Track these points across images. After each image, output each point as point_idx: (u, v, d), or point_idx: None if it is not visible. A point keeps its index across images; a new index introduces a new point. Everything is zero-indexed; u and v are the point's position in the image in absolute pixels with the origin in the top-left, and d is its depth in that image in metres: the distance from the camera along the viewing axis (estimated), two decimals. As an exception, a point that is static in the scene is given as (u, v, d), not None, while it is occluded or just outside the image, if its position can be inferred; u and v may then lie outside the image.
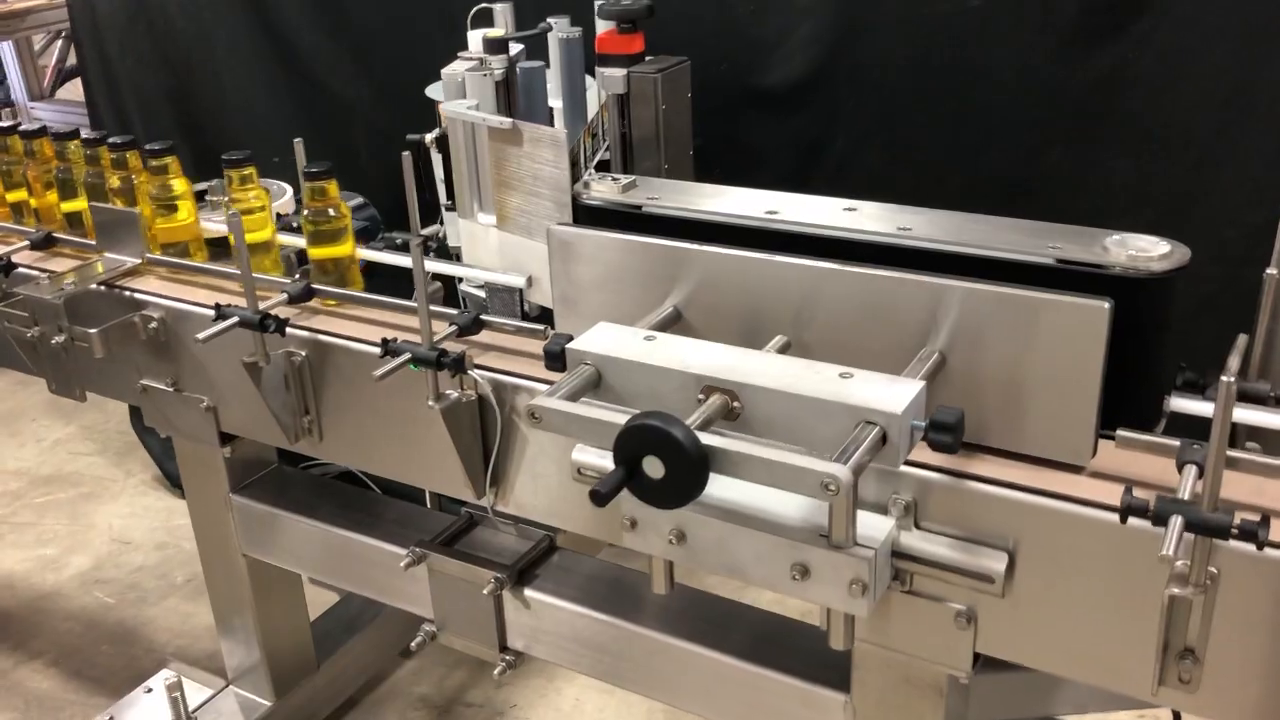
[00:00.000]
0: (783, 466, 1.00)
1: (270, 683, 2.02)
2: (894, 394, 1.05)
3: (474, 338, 1.50)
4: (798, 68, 2.27)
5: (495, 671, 1.62)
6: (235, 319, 1.54)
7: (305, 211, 1.66)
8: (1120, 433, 1.13)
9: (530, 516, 1.51)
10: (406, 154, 1.68)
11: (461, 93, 1.75)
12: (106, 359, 1.76)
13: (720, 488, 1.20)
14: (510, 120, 1.50)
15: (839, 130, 2.33)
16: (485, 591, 1.57)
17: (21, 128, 2.04)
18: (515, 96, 1.82)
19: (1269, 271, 1.14)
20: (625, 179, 1.46)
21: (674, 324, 1.32)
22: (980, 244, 1.22)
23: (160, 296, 1.75)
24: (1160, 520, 1.00)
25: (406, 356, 1.40)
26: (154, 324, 1.74)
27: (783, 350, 1.24)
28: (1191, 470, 1.05)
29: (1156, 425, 1.21)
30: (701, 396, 1.13)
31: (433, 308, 1.54)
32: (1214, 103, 1.91)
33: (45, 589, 2.75)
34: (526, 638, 1.63)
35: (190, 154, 3.03)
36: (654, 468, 1.03)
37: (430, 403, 1.41)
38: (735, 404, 1.11)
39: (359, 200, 2.06)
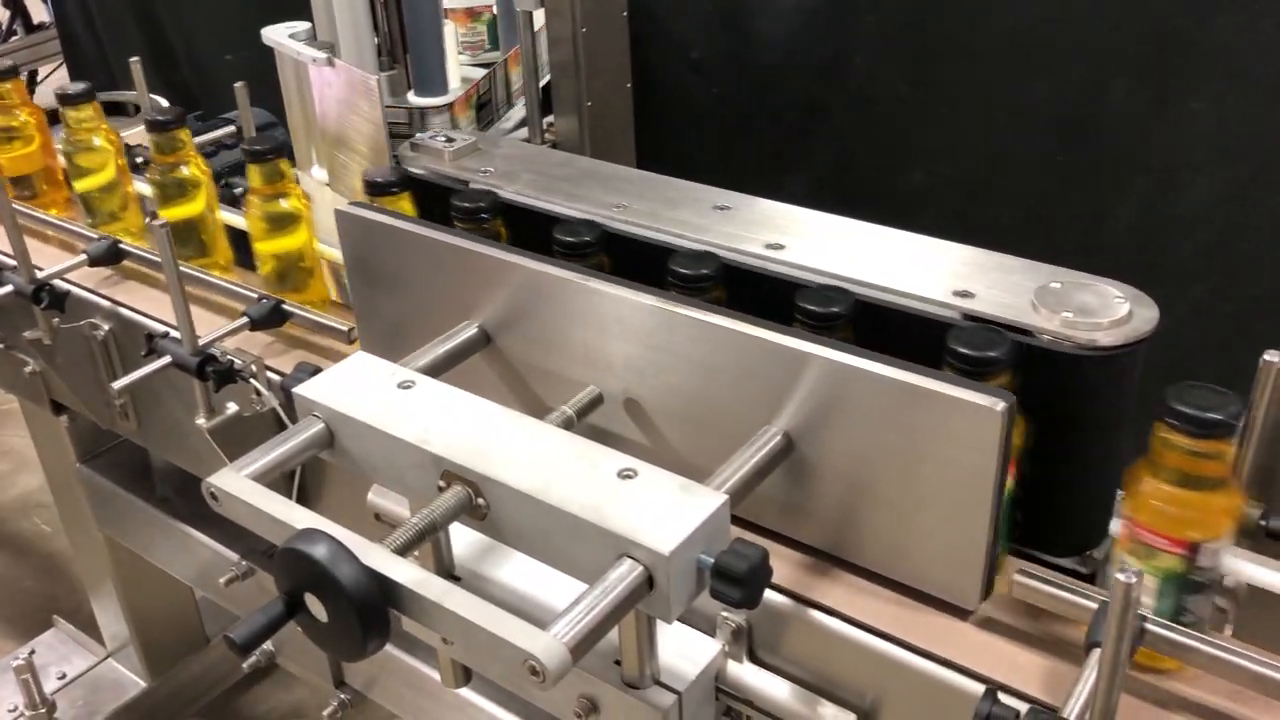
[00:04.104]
0: (477, 631, 0.69)
1: (144, 661, 1.83)
2: (671, 519, 0.73)
3: (279, 331, 1.21)
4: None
5: (325, 712, 1.38)
6: (10, 288, 1.28)
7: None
8: (1018, 576, 0.79)
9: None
10: (240, 85, 1.38)
11: (327, 10, 1.43)
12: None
13: (506, 571, 0.93)
14: (326, 55, 1.17)
15: (856, 51, 1.94)
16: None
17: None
18: (404, 14, 1.50)
19: (1266, 357, 0.78)
20: (462, 140, 1.13)
21: (480, 348, 1.01)
22: (867, 278, 0.88)
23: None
24: (1029, 750, 0.68)
25: (165, 360, 1.11)
26: (-37, 272, 1.49)
27: (587, 408, 0.93)
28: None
29: (1096, 545, 0.87)
30: (442, 484, 0.82)
31: (240, 287, 1.25)
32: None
33: (-15, 510, 2.62)
34: (365, 678, 1.38)
35: (146, 46, 2.76)
36: (317, 608, 0.74)
37: (199, 420, 1.13)
38: (480, 500, 0.81)
39: (268, 118, 1.77)
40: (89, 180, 1.37)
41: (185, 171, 1.26)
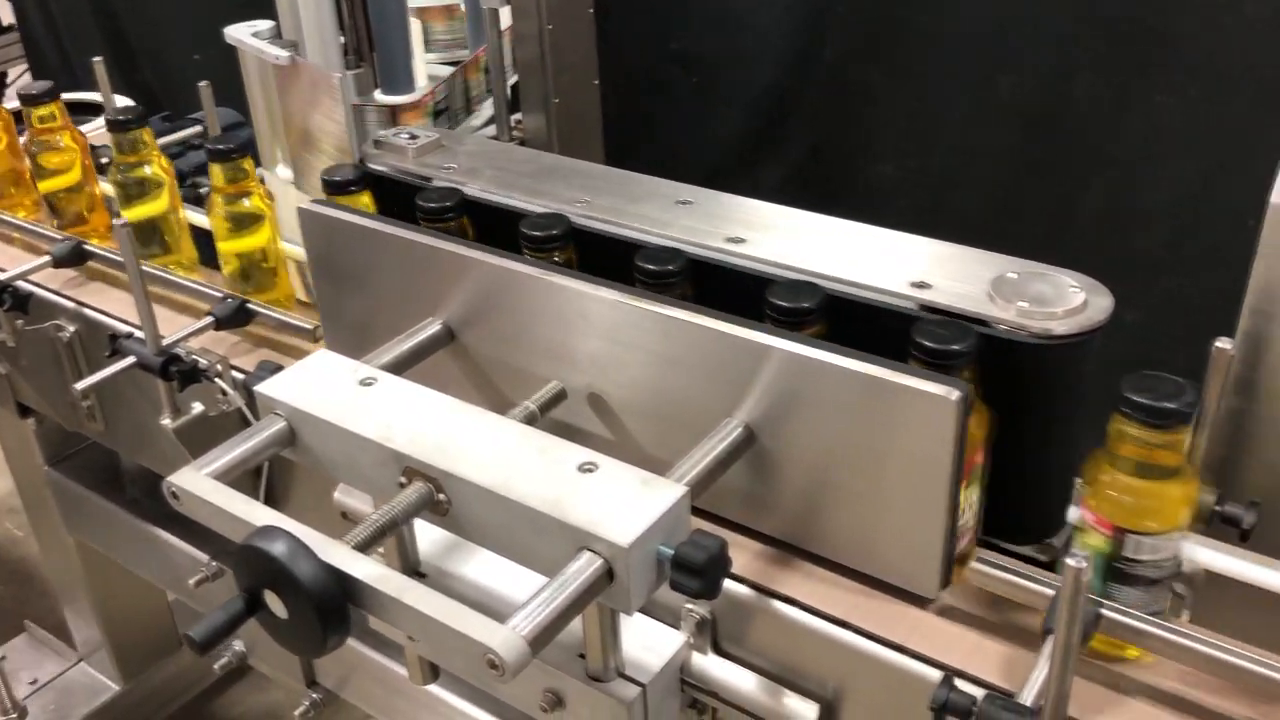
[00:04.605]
0: (436, 626, 0.70)
1: (117, 665, 1.82)
2: (631, 512, 0.73)
3: (245, 331, 1.21)
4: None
5: (296, 712, 1.38)
6: (-30, 290, 1.27)
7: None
8: (975, 564, 0.80)
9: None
10: (204, 84, 1.38)
11: (292, 8, 1.42)
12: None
13: (472, 567, 0.93)
14: (288, 55, 1.17)
15: (827, 40, 1.95)
16: (272, 628, 1.30)
17: None
18: (369, 12, 1.49)
19: (1218, 344, 0.79)
20: (426, 137, 1.13)
21: (443, 345, 1.01)
22: (828, 270, 0.88)
23: (-64, 242, 1.48)
24: (985, 734, 0.69)
25: (129, 361, 1.11)
26: (-72, 274, 1.48)
27: (550, 403, 0.93)
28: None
29: (1056, 534, 0.88)
30: (404, 480, 0.82)
31: (206, 287, 1.25)
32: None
33: (-44, 516, 2.59)
34: (337, 678, 1.38)
35: (108, 46, 2.74)
36: (276, 605, 0.74)
37: (164, 420, 1.13)
38: (441, 496, 0.81)
39: (234, 117, 1.76)
40: (54, 181, 1.37)
41: (148, 171, 1.25)
